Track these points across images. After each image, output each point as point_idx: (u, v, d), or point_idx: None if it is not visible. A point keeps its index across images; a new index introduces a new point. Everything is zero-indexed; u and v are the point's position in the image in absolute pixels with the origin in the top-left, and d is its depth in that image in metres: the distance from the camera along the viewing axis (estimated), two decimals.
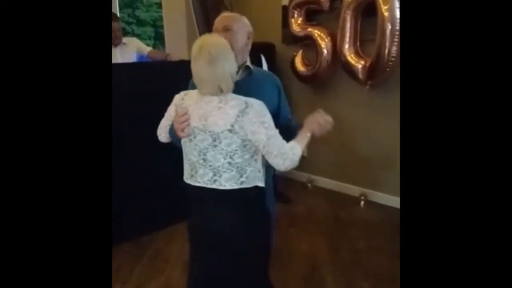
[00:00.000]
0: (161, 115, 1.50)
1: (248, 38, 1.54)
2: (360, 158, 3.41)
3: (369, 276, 2.30)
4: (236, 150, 1.29)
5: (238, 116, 1.25)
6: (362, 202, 3.31)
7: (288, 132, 1.38)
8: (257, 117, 1.25)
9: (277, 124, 1.35)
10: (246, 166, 1.33)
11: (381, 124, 3.19)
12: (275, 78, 1.62)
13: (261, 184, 1.38)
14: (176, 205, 2.76)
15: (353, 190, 3.48)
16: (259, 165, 1.36)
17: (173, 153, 1.55)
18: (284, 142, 1.30)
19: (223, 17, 1.53)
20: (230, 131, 1.26)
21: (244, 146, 1.29)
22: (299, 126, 1.43)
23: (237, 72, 1.40)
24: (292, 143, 1.32)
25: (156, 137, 1.56)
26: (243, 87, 1.38)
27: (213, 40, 1.32)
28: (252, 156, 1.33)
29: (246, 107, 1.26)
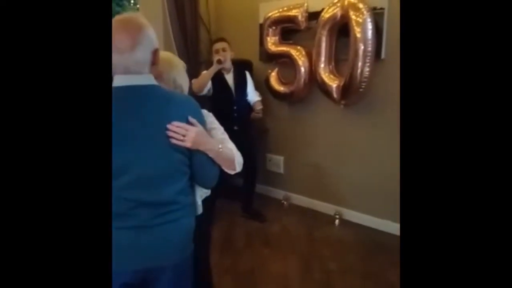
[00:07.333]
0: None
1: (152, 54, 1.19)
2: (336, 176, 3.42)
3: None
4: None
5: None
6: (337, 221, 3.30)
7: None
8: None
9: None
10: None
11: (356, 143, 3.22)
12: None
13: None
14: None
15: (328, 208, 3.47)
16: None
17: None
18: None
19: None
20: None
21: None
22: None
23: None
24: None
25: None
26: None
27: None
28: None
29: None
